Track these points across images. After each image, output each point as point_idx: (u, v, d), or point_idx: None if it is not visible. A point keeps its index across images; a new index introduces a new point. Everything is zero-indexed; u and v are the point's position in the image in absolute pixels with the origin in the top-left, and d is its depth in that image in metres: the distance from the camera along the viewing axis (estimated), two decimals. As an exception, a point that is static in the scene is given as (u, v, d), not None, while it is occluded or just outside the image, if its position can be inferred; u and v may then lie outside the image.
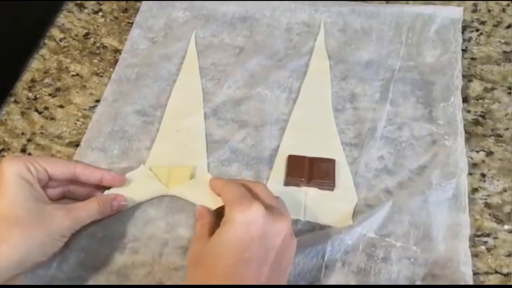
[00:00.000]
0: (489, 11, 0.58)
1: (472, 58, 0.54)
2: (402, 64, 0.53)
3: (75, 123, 0.51)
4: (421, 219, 0.43)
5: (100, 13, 0.60)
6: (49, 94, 0.54)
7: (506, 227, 0.44)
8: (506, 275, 0.41)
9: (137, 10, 0.59)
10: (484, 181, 0.46)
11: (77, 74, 0.55)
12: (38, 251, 0.37)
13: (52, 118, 0.52)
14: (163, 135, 0.50)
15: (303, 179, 0.45)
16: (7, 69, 0.55)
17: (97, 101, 0.52)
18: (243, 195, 0.38)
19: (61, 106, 0.53)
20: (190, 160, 0.48)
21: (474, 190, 0.46)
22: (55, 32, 0.59)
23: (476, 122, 0.50)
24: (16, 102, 0.53)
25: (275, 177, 0.46)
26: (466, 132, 0.48)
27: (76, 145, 0.49)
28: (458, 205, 0.44)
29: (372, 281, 0.41)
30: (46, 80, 0.55)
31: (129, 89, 0.53)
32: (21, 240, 0.36)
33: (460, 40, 0.54)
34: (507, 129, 0.49)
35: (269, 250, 0.36)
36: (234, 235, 0.35)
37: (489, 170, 0.47)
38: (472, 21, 0.57)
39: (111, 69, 0.55)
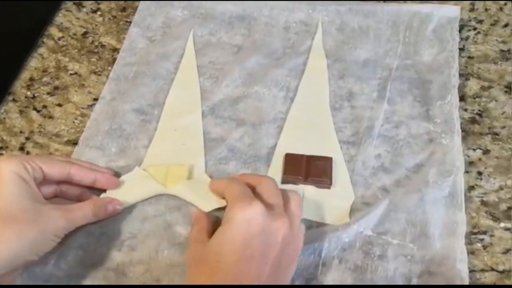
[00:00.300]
0: (486, 10, 0.58)
1: (469, 57, 0.54)
2: (400, 63, 0.54)
3: (73, 122, 0.51)
4: (418, 217, 0.44)
5: (99, 12, 0.60)
6: (48, 93, 0.54)
7: (502, 224, 0.44)
8: (502, 272, 0.41)
9: (135, 9, 0.60)
10: (481, 179, 0.46)
11: (76, 73, 0.55)
12: (31, 249, 0.38)
13: (51, 117, 0.52)
14: (161, 134, 0.50)
15: (300, 177, 0.46)
16: (6, 68, 0.55)
17: (95, 99, 0.52)
18: (244, 193, 0.38)
19: (59, 105, 0.53)
20: (188, 158, 0.48)
21: (471, 188, 0.46)
22: (53, 31, 0.59)
23: (473, 121, 0.50)
24: (14, 100, 0.53)
25: (273, 175, 0.46)
26: (463, 130, 0.48)
27: (74, 143, 0.49)
28: (454, 203, 0.44)
29: (368, 279, 0.41)
30: (45, 79, 0.55)
31: (127, 87, 0.53)
32: (14, 238, 0.36)
33: (457, 39, 0.54)
34: (503, 127, 0.49)
35: (270, 247, 0.36)
36: (235, 232, 0.36)
37: (485, 168, 0.47)
38: (470, 20, 0.57)
39: (109, 68, 0.55)
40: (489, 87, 0.52)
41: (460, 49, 0.54)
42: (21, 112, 0.52)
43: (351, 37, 0.56)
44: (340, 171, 0.47)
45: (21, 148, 0.50)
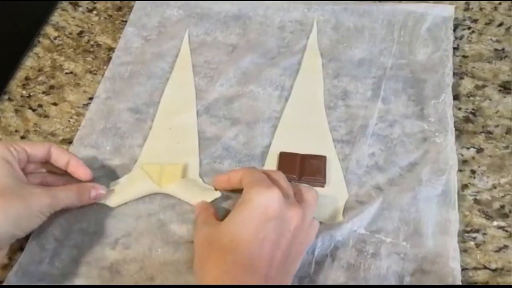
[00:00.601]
0: (481, 9, 0.59)
1: (463, 56, 0.55)
2: (394, 62, 0.54)
3: (69, 121, 0.52)
4: (411, 215, 0.44)
5: (94, 12, 0.61)
6: (43, 92, 0.54)
7: (495, 223, 0.44)
8: (494, 270, 0.42)
9: (131, 8, 0.60)
10: (474, 178, 0.46)
11: (71, 72, 0.55)
12: (16, 224, 0.38)
13: (46, 116, 0.52)
14: (156, 133, 0.50)
15: (294, 176, 0.46)
16: (1, 67, 0.56)
17: (91, 98, 0.53)
18: (262, 179, 0.39)
19: (54, 104, 0.53)
20: (182, 157, 0.48)
21: (464, 187, 0.46)
22: (49, 30, 0.59)
23: (466, 119, 0.50)
24: (10, 99, 0.54)
25: (267, 174, 0.47)
26: (457, 129, 0.49)
27: (69, 142, 0.49)
28: (447, 201, 0.44)
29: (361, 277, 0.41)
30: (40, 78, 0.55)
31: (122, 86, 0.53)
32: (1, 214, 0.37)
33: (452, 38, 0.54)
34: (497, 126, 0.49)
35: (282, 234, 0.37)
36: (251, 214, 0.37)
37: (479, 166, 0.47)
38: (464, 19, 0.58)
39: (105, 67, 0.55)
40: (483, 86, 0.52)
41: (454, 48, 0.54)
42: (16, 111, 0.53)
43: (346, 37, 0.56)
44: (334, 170, 0.47)
45: (16, 147, 0.50)
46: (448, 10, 0.56)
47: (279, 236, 0.37)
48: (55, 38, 0.58)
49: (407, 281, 0.41)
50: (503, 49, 0.55)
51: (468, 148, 0.48)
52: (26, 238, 0.43)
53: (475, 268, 0.42)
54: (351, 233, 0.43)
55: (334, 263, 0.42)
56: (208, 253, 0.37)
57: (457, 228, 0.43)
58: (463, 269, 0.41)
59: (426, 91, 0.51)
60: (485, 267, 0.42)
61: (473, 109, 0.51)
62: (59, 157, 0.44)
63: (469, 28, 0.57)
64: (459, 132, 0.49)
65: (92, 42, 0.58)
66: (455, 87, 0.52)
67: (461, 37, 0.56)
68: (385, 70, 0.53)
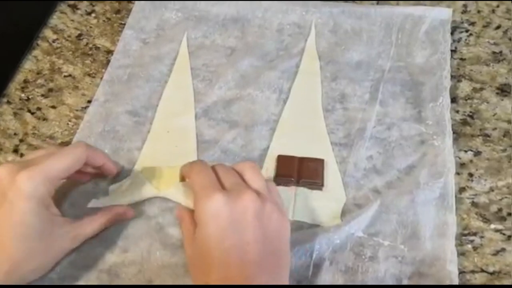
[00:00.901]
0: (478, 12, 0.59)
1: (461, 59, 0.55)
2: (392, 65, 0.54)
3: (67, 124, 0.52)
4: (409, 218, 0.44)
5: (93, 14, 0.61)
6: (42, 95, 0.54)
7: (492, 226, 0.44)
8: (492, 273, 0.42)
9: (129, 11, 0.60)
10: (472, 181, 0.47)
11: (70, 75, 0.55)
12: (39, 273, 0.40)
13: (45, 119, 0.52)
14: (154, 136, 0.50)
15: (292, 179, 0.46)
16: (0, 70, 0.56)
17: (89, 101, 0.53)
18: (203, 185, 0.38)
19: (53, 107, 0.53)
20: (181, 160, 0.47)
21: (462, 190, 0.46)
22: (48, 33, 0.59)
23: (464, 122, 0.50)
24: (8, 102, 0.54)
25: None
26: (454, 132, 0.49)
27: (68, 145, 0.49)
28: (445, 204, 0.44)
29: (359, 280, 0.41)
30: (39, 81, 0.55)
31: (121, 89, 0.53)
32: (32, 270, 0.38)
33: (449, 41, 0.54)
34: (495, 129, 0.50)
35: (245, 230, 0.36)
36: (206, 233, 0.36)
37: (476, 169, 0.47)
38: (462, 22, 0.58)
39: (103, 70, 0.55)
40: (481, 89, 0.52)
41: (452, 51, 0.54)
42: (15, 114, 0.53)
43: (344, 39, 0.56)
44: (332, 173, 0.47)
45: (15, 150, 0.50)
46: (445, 13, 0.56)
47: (243, 234, 0.36)
48: (53, 41, 0.58)
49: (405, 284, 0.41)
50: (500, 51, 0.55)
51: (465, 151, 0.48)
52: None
53: (473, 271, 0.42)
54: (349, 236, 0.43)
55: (332, 266, 0.42)
56: (197, 276, 0.37)
57: (454, 231, 0.43)
58: (461, 272, 0.41)
59: (424, 93, 0.51)
60: (482, 270, 0.42)
61: (470, 112, 0.51)
62: (95, 160, 0.43)
63: (466, 30, 0.57)
64: (457, 135, 0.49)
65: (90, 45, 0.58)
66: (453, 90, 0.52)
67: (459, 40, 0.56)
68: (383, 72, 0.53)
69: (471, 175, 0.47)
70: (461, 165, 0.47)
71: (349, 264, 0.42)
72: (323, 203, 0.45)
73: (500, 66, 0.54)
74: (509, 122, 0.50)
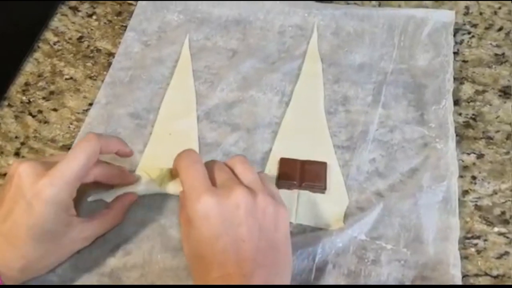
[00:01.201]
0: (481, 13, 0.58)
1: (463, 61, 0.55)
2: (395, 67, 0.54)
3: (69, 127, 0.51)
4: (412, 222, 0.44)
5: (94, 17, 0.60)
6: (43, 98, 0.54)
7: (496, 229, 0.44)
8: (496, 277, 0.42)
9: (131, 13, 0.60)
10: (475, 184, 0.46)
11: (71, 78, 0.55)
12: (42, 269, 0.40)
13: (46, 122, 0.52)
14: (156, 138, 0.50)
15: (294, 182, 0.46)
16: (1, 72, 0.55)
17: (91, 104, 0.52)
18: (192, 185, 0.37)
19: (54, 110, 0.53)
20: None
21: (465, 193, 0.46)
22: (49, 35, 0.59)
23: (467, 125, 0.50)
24: (9, 105, 0.53)
25: (267, 180, 0.46)
26: (457, 134, 0.49)
27: (69, 148, 0.49)
28: (448, 208, 0.44)
29: (362, 284, 0.41)
30: (40, 84, 0.55)
31: (123, 92, 0.53)
32: (46, 267, 0.40)
33: (452, 44, 0.54)
34: (497, 131, 0.49)
35: (238, 228, 0.35)
36: (199, 234, 0.36)
37: (479, 172, 0.47)
38: (464, 24, 0.58)
39: (105, 73, 0.55)
40: (484, 91, 0.52)
41: (454, 53, 0.54)
42: (16, 117, 0.53)
43: (347, 41, 0.56)
44: (334, 176, 0.47)
45: (16, 154, 0.50)
46: (448, 15, 0.56)
47: (236, 231, 0.35)
48: (54, 43, 0.58)
49: (408, 288, 0.41)
50: (503, 53, 0.55)
51: (468, 154, 0.48)
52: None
53: (477, 275, 0.42)
54: (352, 240, 0.43)
55: (334, 270, 0.42)
56: (197, 277, 0.37)
57: (457, 235, 0.43)
58: (465, 275, 0.41)
59: (427, 96, 0.51)
60: (486, 274, 0.42)
61: (473, 114, 0.51)
62: (110, 148, 0.42)
63: (469, 32, 0.57)
64: (460, 138, 0.49)
65: (92, 47, 0.58)
66: (455, 92, 0.52)
67: (461, 42, 0.56)
68: (385, 75, 0.53)
69: (474, 178, 0.47)
70: (464, 168, 0.47)
71: (351, 267, 0.42)
72: (326, 206, 0.45)
73: (502, 68, 0.54)
74: (511, 124, 0.50)
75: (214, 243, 0.35)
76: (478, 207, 0.45)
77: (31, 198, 0.36)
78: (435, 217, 0.44)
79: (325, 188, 0.46)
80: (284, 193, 0.46)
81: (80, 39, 0.59)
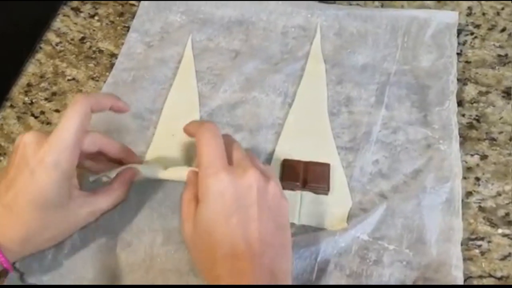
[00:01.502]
0: (483, 14, 0.58)
1: (466, 62, 0.54)
2: (398, 68, 0.53)
3: (71, 127, 0.51)
4: (415, 223, 0.44)
5: (96, 17, 0.60)
6: (45, 99, 0.54)
7: (500, 230, 0.44)
8: (500, 278, 0.42)
9: (133, 14, 0.59)
10: (479, 185, 0.46)
11: (73, 79, 0.55)
12: (56, 241, 0.41)
13: (48, 123, 0.52)
14: (159, 139, 0.50)
15: (298, 183, 0.46)
16: (3, 73, 0.55)
17: (93, 105, 0.52)
18: (210, 161, 0.38)
19: (57, 111, 0.53)
20: (185, 164, 0.48)
21: (469, 194, 0.46)
22: (51, 36, 0.59)
23: (470, 126, 0.50)
24: (12, 106, 0.53)
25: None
26: (460, 136, 0.48)
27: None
28: (451, 209, 0.44)
29: (364, 284, 0.41)
30: (42, 85, 0.55)
31: (125, 92, 0.53)
32: (47, 239, 0.39)
33: (456, 45, 0.54)
34: (501, 132, 0.49)
35: (250, 207, 0.36)
36: (212, 210, 0.36)
37: (483, 174, 0.47)
38: (467, 25, 0.57)
39: (107, 74, 0.55)
40: (487, 92, 0.52)
41: (457, 53, 0.54)
42: (18, 118, 0.52)
43: (350, 42, 0.56)
44: (337, 177, 0.47)
45: (19, 154, 0.50)
46: (452, 16, 0.56)
47: (247, 210, 0.36)
48: (57, 44, 0.58)
49: (410, 289, 0.41)
50: (506, 54, 0.55)
51: (472, 155, 0.48)
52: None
53: (481, 276, 0.42)
54: (354, 240, 0.43)
55: (336, 270, 0.42)
56: (199, 256, 0.37)
57: (460, 236, 0.43)
58: (469, 277, 0.41)
59: (430, 97, 0.51)
60: (490, 275, 0.42)
61: (476, 115, 0.51)
62: (102, 104, 0.41)
63: (472, 33, 0.57)
64: (463, 139, 0.49)
65: (94, 48, 0.57)
66: (458, 93, 0.51)
67: (464, 43, 0.56)
68: (388, 76, 0.53)
69: (478, 179, 0.47)
70: (468, 169, 0.47)
71: (353, 267, 0.42)
72: (329, 207, 0.45)
73: (505, 69, 0.54)
74: (515, 125, 0.50)
75: (225, 221, 0.36)
76: (481, 209, 0.45)
77: (34, 166, 0.37)
78: (438, 218, 0.44)
79: (328, 190, 0.45)
80: (287, 194, 0.45)
81: (82, 40, 0.58)
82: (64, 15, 0.61)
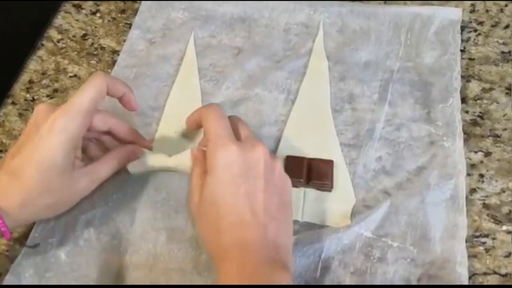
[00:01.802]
0: (487, 11, 0.58)
1: (470, 59, 0.54)
2: (401, 65, 0.53)
3: (73, 124, 0.51)
4: (419, 220, 0.43)
5: (98, 14, 0.60)
6: (47, 95, 0.54)
7: (504, 227, 0.44)
8: (504, 275, 0.41)
9: (134, 11, 0.59)
10: (483, 182, 0.46)
11: (75, 75, 0.55)
12: (56, 211, 0.41)
13: (50, 119, 0.52)
14: (161, 136, 0.50)
15: (301, 180, 0.45)
16: (5, 70, 0.55)
17: (95, 102, 0.52)
18: (219, 134, 0.39)
19: (59, 107, 0.53)
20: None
21: (473, 191, 0.46)
22: (52, 33, 0.59)
23: (474, 123, 0.50)
24: (13, 103, 0.53)
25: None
26: (464, 132, 0.48)
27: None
28: (455, 206, 0.44)
29: (368, 281, 0.41)
30: (44, 81, 0.55)
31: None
32: (47, 205, 0.39)
33: (459, 42, 0.54)
34: (505, 129, 0.49)
35: (257, 180, 0.37)
36: (220, 179, 0.37)
37: (487, 170, 0.47)
38: (470, 22, 0.57)
39: (109, 70, 0.54)
40: (490, 89, 0.52)
41: (461, 50, 0.54)
42: (20, 115, 0.52)
43: (353, 39, 0.56)
44: (341, 174, 0.46)
45: (21, 151, 0.49)
46: (455, 13, 0.56)
47: (255, 182, 0.37)
48: (58, 41, 0.58)
49: (414, 286, 0.41)
50: (509, 51, 0.55)
51: (475, 152, 0.48)
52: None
53: (485, 273, 0.41)
54: (358, 237, 0.43)
55: (340, 267, 0.42)
56: (204, 226, 0.38)
57: (464, 233, 0.42)
58: (473, 274, 0.41)
59: (434, 94, 0.51)
60: (495, 272, 0.42)
61: (480, 112, 0.51)
62: (117, 89, 0.43)
63: (475, 30, 0.57)
64: (467, 136, 0.49)
65: (96, 45, 0.57)
66: (462, 90, 0.51)
67: (468, 40, 0.56)
68: (391, 73, 0.53)
69: (481, 176, 0.46)
70: (472, 166, 0.47)
71: (357, 265, 0.42)
72: (333, 204, 0.45)
73: (509, 66, 0.53)
74: (519, 122, 0.50)
75: (233, 190, 0.37)
76: (486, 206, 0.45)
77: (43, 132, 0.38)
78: (442, 215, 0.43)
79: (331, 187, 0.45)
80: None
81: (84, 36, 0.58)
82: (66, 12, 0.60)
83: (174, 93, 0.53)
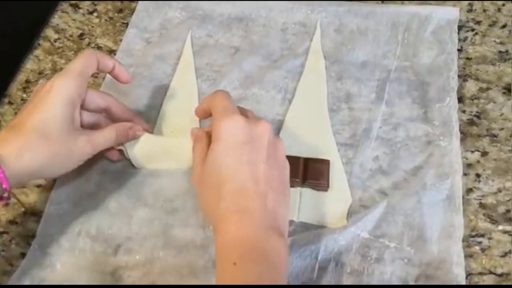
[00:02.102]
0: (484, 10, 0.58)
1: (467, 58, 0.54)
2: (398, 65, 0.53)
3: (70, 124, 0.51)
4: (415, 220, 0.43)
5: (95, 14, 0.60)
6: (44, 95, 0.53)
7: (500, 227, 0.44)
8: (500, 275, 0.41)
9: (132, 10, 0.59)
10: (479, 182, 0.46)
11: (72, 75, 0.55)
12: (54, 167, 0.41)
13: (47, 119, 0.52)
14: (158, 135, 0.50)
15: (297, 180, 0.45)
16: (1, 70, 0.55)
17: (92, 101, 0.52)
18: (225, 108, 0.40)
19: (55, 107, 0.52)
20: (185, 160, 0.47)
21: (469, 191, 0.46)
22: (49, 32, 0.58)
23: (471, 122, 0.50)
24: (10, 103, 0.53)
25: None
26: (461, 132, 0.48)
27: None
28: (452, 206, 0.44)
29: (365, 282, 0.41)
30: (41, 81, 0.55)
31: (124, 89, 0.52)
32: (44, 156, 0.39)
33: (456, 41, 0.54)
34: (502, 129, 0.49)
35: (260, 151, 0.38)
36: (225, 146, 0.38)
37: (484, 170, 0.47)
38: (468, 21, 0.57)
39: (106, 70, 0.54)
40: (487, 89, 0.52)
41: (458, 50, 0.54)
42: (16, 114, 0.52)
43: (350, 39, 0.56)
44: (337, 174, 0.46)
45: (17, 151, 0.49)
46: (453, 13, 0.56)
47: (258, 153, 0.38)
48: (55, 40, 0.58)
49: (411, 286, 0.41)
50: (506, 51, 0.55)
51: (472, 152, 0.48)
52: (28, 243, 0.43)
53: (481, 273, 0.41)
54: (355, 238, 0.43)
55: (337, 268, 0.42)
56: (206, 193, 0.39)
57: (461, 233, 0.42)
58: (469, 274, 0.41)
59: (431, 94, 0.51)
60: (491, 272, 0.41)
61: (477, 112, 0.50)
62: (106, 62, 0.45)
63: (472, 30, 0.57)
64: (463, 135, 0.48)
65: (93, 45, 0.57)
66: (459, 89, 0.51)
67: (465, 39, 0.56)
68: (389, 72, 0.53)
69: (478, 175, 0.46)
70: (468, 165, 0.47)
71: (354, 265, 0.42)
72: (329, 204, 0.45)
73: (506, 65, 0.53)
74: (516, 122, 0.50)
75: (236, 158, 0.38)
76: (482, 205, 0.45)
77: (42, 93, 0.41)
78: (439, 215, 0.43)
79: (328, 186, 0.45)
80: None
81: (81, 36, 0.58)
82: (62, 12, 0.60)
83: (171, 93, 0.53)
